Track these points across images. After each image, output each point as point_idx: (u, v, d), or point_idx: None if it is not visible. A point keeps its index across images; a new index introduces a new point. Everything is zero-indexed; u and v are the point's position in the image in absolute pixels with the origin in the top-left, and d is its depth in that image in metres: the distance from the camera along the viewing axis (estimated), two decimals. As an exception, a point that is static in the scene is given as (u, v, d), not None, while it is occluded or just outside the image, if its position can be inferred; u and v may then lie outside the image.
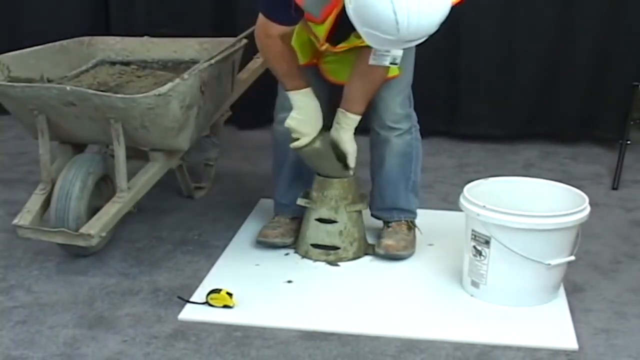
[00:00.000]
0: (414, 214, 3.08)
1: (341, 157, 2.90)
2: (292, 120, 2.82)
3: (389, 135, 2.95)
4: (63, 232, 2.81)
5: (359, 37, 2.53)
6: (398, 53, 2.64)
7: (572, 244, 2.66)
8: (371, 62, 2.68)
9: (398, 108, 2.93)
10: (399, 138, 2.96)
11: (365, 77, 2.79)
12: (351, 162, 2.90)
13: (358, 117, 2.85)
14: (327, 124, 2.90)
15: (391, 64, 2.69)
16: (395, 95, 2.91)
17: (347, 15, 2.44)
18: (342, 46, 2.71)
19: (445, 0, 2.35)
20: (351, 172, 2.94)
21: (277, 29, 2.68)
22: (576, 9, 4.11)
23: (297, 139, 2.83)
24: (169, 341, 2.47)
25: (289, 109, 2.90)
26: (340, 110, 2.85)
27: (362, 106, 2.84)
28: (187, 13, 4.40)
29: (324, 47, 2.73)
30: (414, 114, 3.01)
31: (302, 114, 2.81)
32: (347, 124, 2.85)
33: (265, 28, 2.71)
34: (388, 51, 2.64)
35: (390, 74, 2.84)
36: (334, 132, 2.88)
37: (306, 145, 2.83)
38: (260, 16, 2.71)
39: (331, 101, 2.94)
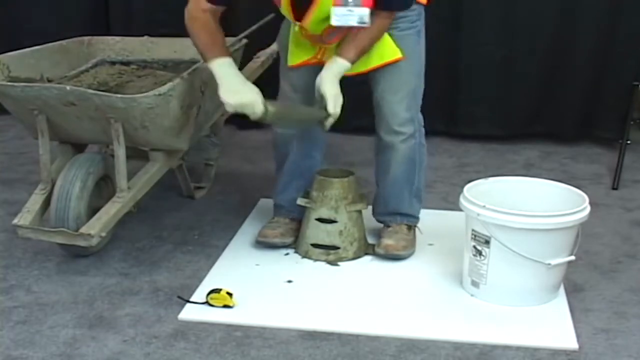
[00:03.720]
0: (417, 219, 3.08)
1: (320, 102, 2.73)
2: (227, 96, 2.66)
3: (394, 140, 2.93)
4: (63, 232, 2.80)
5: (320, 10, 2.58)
6: (364, 12, 2.57)
7: (572, 244, 2.66)
8: (334, 22, 2.60)
9: (404, 111, 2.90)
10: (403, 143, 2.94)
11: (362, 30, 2.67)
12: (330, 105, 2.69)
13: (345, 64, 2.71)
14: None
15: (359, 23, 2.59)
16: (401, 99, 2.88)
17: None
18: (308, 20, 2.65)
19: None
20: (330, 120, 2.72)
21: (210, 6, 2.70)
22: (576, 9, 4.11)
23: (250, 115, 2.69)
24: (169, 341, 2.47)
25: None
26: (333, 56, 2.74)
27: (352, 53, 2.71)
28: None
29: (297, 28, 2.72)
30: (419, 118, 2.99)
31: (227, 83, 2.68)
32: (331, 67, 2.71)
33: (199, 4, 2.71)
34: (351, 10, 2.57)
35: (393, 57, 2.78)
36: (318, 77, 2.73)
37: (264, 116, 2.67)
38: None
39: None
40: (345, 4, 2.56)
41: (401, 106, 2.90)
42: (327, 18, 2.62)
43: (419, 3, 2.84)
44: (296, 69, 2.91)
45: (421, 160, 3.03)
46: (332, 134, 3.10)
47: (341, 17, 2.59)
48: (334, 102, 2.70)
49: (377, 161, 3.04)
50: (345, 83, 2.79)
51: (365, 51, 2.75)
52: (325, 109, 2.70)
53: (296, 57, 2.89)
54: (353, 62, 2.73)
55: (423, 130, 3.03)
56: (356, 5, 2.56)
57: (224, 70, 2.70)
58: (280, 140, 3.06)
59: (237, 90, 2.68)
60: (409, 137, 2.94)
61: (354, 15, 2.58)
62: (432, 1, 2.89)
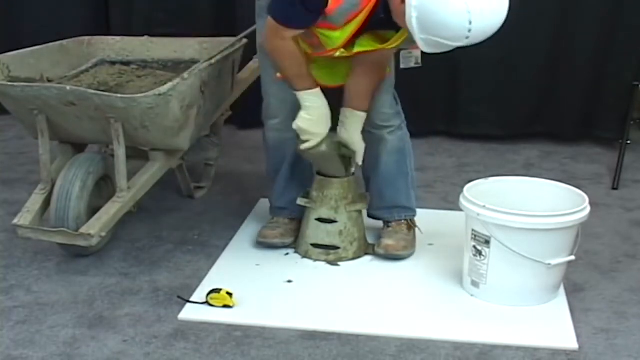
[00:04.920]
0: (414, 212, 3.08)
1: (346, 156, 2.91)
2: (302, 121, 2.78)
3: (383, 133, 2.96)
4: (63, 232, 2.80)
5: (377, 40, 2.63)
6: (418, 53, 2.73)
7: (572, 244, 2.66)
8: (403, 65, 2.77)
9: (386, 108, 2.94)
10: (392, 135, 2.97)
11: (369, 75, 2.80)
12: (359, 159, 2.92)
13: (365, 114, 2.86)
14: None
15: (416, 64, 2.78)
16: (382, 96, 2.91)
17: (374, 18, 2.53)
18: (359, 50, 2.69)
19: None
20: (352, 170, 2.95)
21: (291, 32, 2.66)
22: (576, 9, 4.11)
23: (305, 141, 2.80)
24: (169, 341, 2.47)
25: (276, 116, 2.94)
26: (347, 110, 2.85)
27: (368, 103, 2.85)
28: (187, 13, 4.40)
29: (337, 53, 2.71)
30: (401, 111, 3.02)
31: (311, 114, 2.77)
32: (356, 122, 2.86)
33: (278, 32, 2.66)
34: (411, 53, 2.72)
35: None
36: (343, 133, 2.87)
37: (314, 147, 2.81)
38: (272, 21, 2.65)
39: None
40: (408, 47, 2.72)
41: (386, 104, 2.93)
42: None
43: None
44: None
45: (410, 151, 3.06)
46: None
47: (404, 59, 2.79)
48: (362, 156, 2.92)
49: (365, 155, 3.02)
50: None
51: (371, 93, 2.86)
52: (350, 163, 2.93)
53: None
54: (366, 110, 2.87)
55: (405, 122, 3.05)
56: (414, 48, 2.68)
57: (308, 99, 2.77)
58: (275, 144, 3.02)
59: (307, 118, 2.78)
60: (397, 128, 2.98)
61: (413, 57, 2.78)
62: None
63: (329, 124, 2.82)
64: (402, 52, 2.77)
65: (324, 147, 2.81)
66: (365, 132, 2.96)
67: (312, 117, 2.78)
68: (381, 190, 3.05)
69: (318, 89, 2.78)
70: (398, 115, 2.99)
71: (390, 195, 3.04)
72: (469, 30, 2.34)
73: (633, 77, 4.07)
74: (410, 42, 2.63)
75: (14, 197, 3.49)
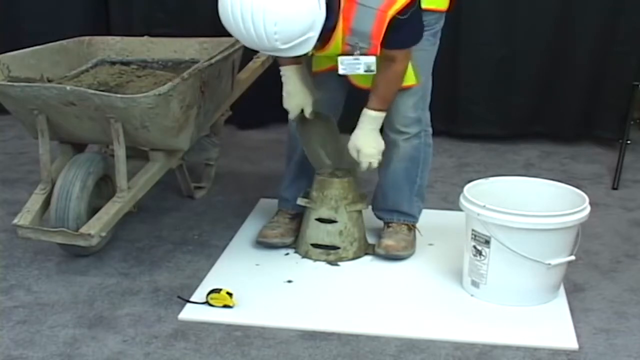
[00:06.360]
0: (416, 219, 3.08)
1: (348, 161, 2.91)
2: (284, 99, 2.87)
3: (397, 138, 2.94)
4: (63, 232, 2.80)
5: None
6: (370, 60, 2.60)
7: (572, 244, 2.66)
8: (341, 71, 2.64)
9: (409, 111, 2.91)
10: (406, 142, 2.95)
11: (382, 75, 2.71)
12: (363, 165, 2.84)
13: (373, 113, 2.78)
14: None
15: (366, 71, 2.63)
16: (406, 98, 2.88)
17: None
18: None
19: (295, 12, 2.38)
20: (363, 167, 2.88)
21: None
22: (576, 9, 4.11)
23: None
24: (169, 341, 2.47)
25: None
26: (364, 109, 2.82)
27: (378, 102, 2.78)
28: (187, 13, 4.40)
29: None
30: (426, 118, 2.99)
31: (286, 89, 2.85)
32: (362, 120, 2.81)
33: None
34: (357, 59, 2.60)
35: (407, 83, 2.82)
36: (353, 134, 2.83)
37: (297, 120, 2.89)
38: None
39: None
40: (352, 53, 2.58)
41: (408, 106, 2.90)
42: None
43: (438, 11, 2.83)
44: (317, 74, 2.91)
45: (425, 160, 3.03)
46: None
47: (348, 65, 2.63)
48: (366, 159, 2.83)
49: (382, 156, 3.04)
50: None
51: (388, 96, 2.79)
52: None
53: (319, 64, 2.90)
54: (380, 110, 2.78)
55: (430, 130, 3.03)
56: (363, 53, 2.58)
57: (285, 74, 2.85)
58: (292, 131, 3.05)
59: (288, 92, 2.86)
60: (413, 136, 2.95)
61: (361, 64, 2.62)
62: (452, 9, 2.89)
63: (301, 98, 2.86)
64: (341, 58, 2.61)
65: (307, 110, 2.87)
66: (383, 133, 2.94)
67: (286, 91, 2.85)
68: (385, 193, 3.05)
69: (295, 67, 2.82)
70: (418, 123, 2.94)
71: (392, 199, 3.04)
72: (238, 27, 2.41)
73: (633, 77, 4.07)
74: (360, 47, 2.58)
75: (14, 197, 3.49)
